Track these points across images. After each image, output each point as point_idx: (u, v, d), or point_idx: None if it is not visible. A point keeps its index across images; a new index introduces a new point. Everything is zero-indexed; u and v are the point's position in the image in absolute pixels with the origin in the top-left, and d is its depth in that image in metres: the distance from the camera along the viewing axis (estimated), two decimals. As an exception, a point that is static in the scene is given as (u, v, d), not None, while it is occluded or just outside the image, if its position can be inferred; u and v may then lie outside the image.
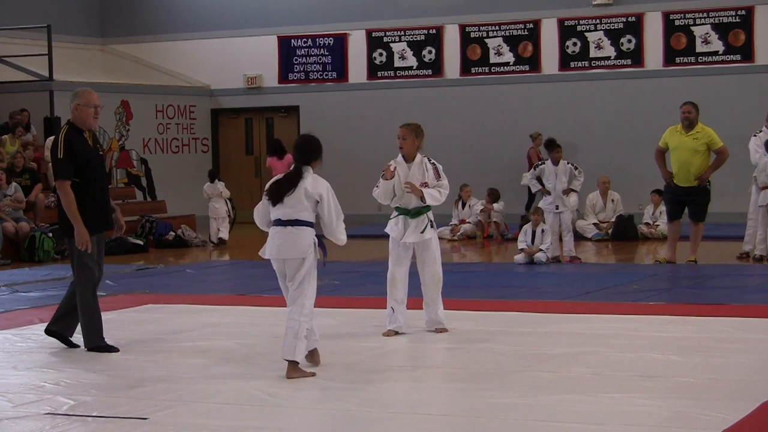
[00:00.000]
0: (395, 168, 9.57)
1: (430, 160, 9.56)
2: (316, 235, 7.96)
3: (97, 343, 9.07)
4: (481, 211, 19.85)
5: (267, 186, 8.07)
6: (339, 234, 8.01)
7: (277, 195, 7.90)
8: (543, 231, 15.53)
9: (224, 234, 20.13)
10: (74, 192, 8.94)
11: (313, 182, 7.93)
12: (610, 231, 19.07)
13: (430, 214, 9.61)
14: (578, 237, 17.78)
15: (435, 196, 9.46)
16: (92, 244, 8.93)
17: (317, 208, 7.91)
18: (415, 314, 10.76)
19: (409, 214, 9.55)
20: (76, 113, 9.20)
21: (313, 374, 7.84)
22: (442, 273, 9.71)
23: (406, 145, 9.51)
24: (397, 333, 9.47)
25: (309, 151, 8.05)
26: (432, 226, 9.59)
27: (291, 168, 8.05)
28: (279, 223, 7.91)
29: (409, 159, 9.58)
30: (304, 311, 7.79)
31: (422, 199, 9.45)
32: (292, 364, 7.78)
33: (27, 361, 8.97)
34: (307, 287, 7.84)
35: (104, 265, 9.39)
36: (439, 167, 9.62)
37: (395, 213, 9.70)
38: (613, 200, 19.40)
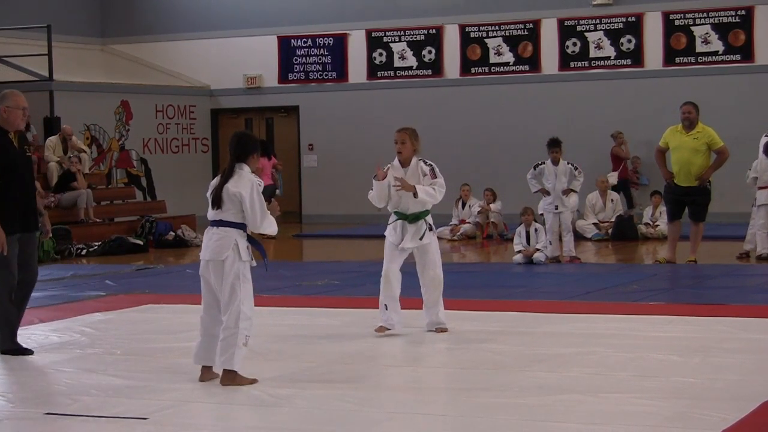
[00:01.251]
0: (387, 169, 9.49)
1: (426, 162, 9.47)
2: (248, 237, 7.73)
3: (9, 347, 9.01)
4: (479, 212, 19.84)
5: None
6: (266, 228, 7.68)
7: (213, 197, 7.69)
8: (536, 230, 15.52)
9: None
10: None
11: (236, 181, 7.63)
12: (610, 231, 19.06)
13: (429, 218, 9.50)
14: (578, 237, 17.78)
15: (429, 192, 9.32)
16: (12, 246, 8.89)
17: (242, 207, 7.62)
18: (415, 314, 10.76)
19: (408, 218, 9.43)
20: (4, 115, 9.12)
21: (254, 380, 7.61)
22: (443, 274, 9.64)
23: (405, 150, 9.44)
24: (388, 330, 9.40)
25: (242, 147, 7.75)
26: (431, 230, 9.50)
27: (226, 169, 7.76)
28: (210, 223, 7.73)
29: (405, 163, 9.50)
30: (242, 317, 7.55)
31: (414, 194, 9.28)
32: (231, 373, 7.55)
33: (27, 361, 8.97)
34: (239, 291, 7.57)
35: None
36: (435, 167, 9.53)
37: (394, 217, 9.61)
38: (612, 200, 19.39)
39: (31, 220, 9.20)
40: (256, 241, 7.80)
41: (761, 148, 15.39)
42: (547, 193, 15.75)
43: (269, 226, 7.72)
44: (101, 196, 21.29)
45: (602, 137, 21.88)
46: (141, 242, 19.19)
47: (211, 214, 7.70)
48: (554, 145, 15.80)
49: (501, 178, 21.40)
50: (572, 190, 15.86)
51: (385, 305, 9.43)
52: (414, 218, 9.40)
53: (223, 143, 24.96)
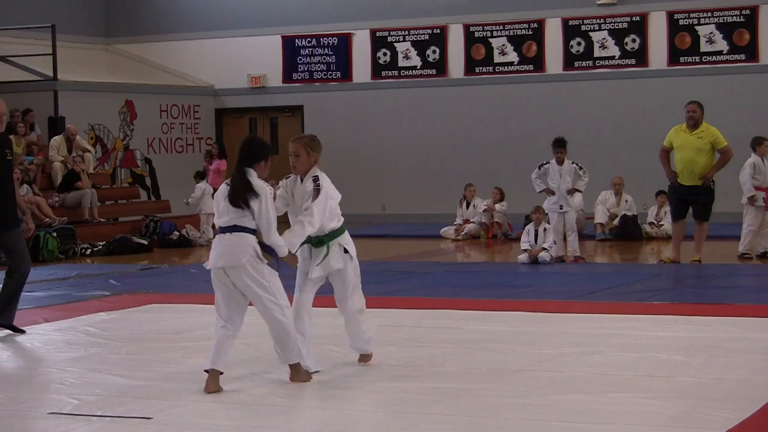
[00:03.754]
0: (275, 185, 8.27)
1: (316, 181, 7.83)
2: (258, 242, 7.59)
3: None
4: (484, 211, 19.84)
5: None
6: (275, 240, 7.51)
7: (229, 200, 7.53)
8: (545, 230, 15.53)
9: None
10: None
11: (254, 185, 7.49)
12: (611, 226, 19.02)
13: (342, 238, 8.08)
14: (582, 236, 17.76)
15: (296, 235, 7.73)
16: None
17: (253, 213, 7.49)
18: (415, 313, 10.77)
19: (311, 242, 7.97)
20: None
21: (310, 377, 7.68)
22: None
23: (298, 163, 7.89)
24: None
25: (251, 153, 7.61)
26: (346, 252, 8.08)
27: (234, 173, 7.59)
28: (220, 230, 7.60)
29: (302, 177, 7.97)
30: (286, 312, 7.57)
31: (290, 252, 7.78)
32: (298, 366, 7.63)
33: (30, 361, 8.98)
34: (277, 286, 7.55)
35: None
36: (324, 187, 7.84)
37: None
38: (627, 201, 19.30)
39: (9, 219, 9.74)
40: (266, 245, 7.65)
41: None
42: (551, 192, 15.75)
43: (278, 240, 7.54)
44: (105, 195, 21.30)
45: (606, 137, 21.88)
46: (145, 242, 19.19)
47: (224, 220, 7.53)
48: (559, 144, 15.79)
49: (505, 177, 21.39)
50: (577, 190, 15.86)
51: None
52: (317, 242, 7.99)
53: (227, 143, 24.94)
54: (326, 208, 7.85)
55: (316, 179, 7.85)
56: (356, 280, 8.17)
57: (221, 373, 7.54)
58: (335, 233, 8.03)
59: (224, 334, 7.62)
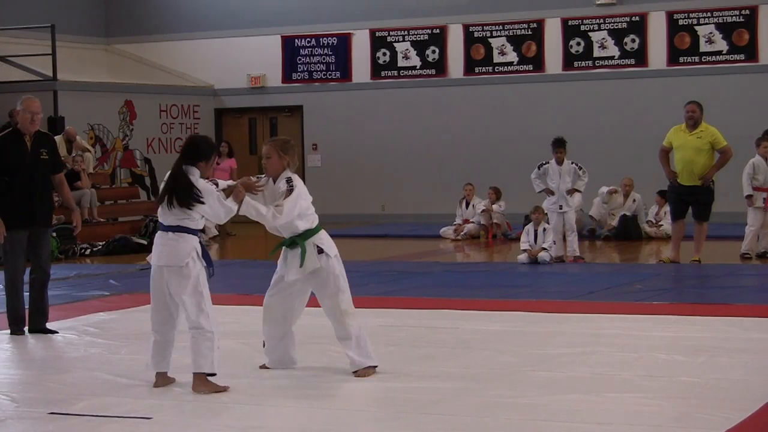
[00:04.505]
0: (263, 184, 8.00)
1: (289, 182, 7.83)
2: (200, 244, 7.61)
3: (11, 328, 9.90)
4: (482, 211, 19.83)
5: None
6: (228, 217, 7.57)
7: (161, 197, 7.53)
8: (545, 230, 15.53)
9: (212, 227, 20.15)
10: (1, 189, 9.73)
11: (200, 185, 7.48)
12: (610, 227, 19.04)
13: (316, 238, 7.96)
14: (582, 237, 17.77)
15: (259, 211, 7.69)
16: (16, 240, 9.71)
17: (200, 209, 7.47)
18: (416, 313, 10.77)
19: (285, 243, 7.94)
20: (18, 118, 9.94)
21: (226, 388, 7.47)
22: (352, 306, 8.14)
23: (270, 165, 7.87)
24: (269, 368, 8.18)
25: (196, 151, 7.56)
26: (321, 252, 7.92)
27: (173, 167, 7.56)
28: (162, 228, 7.57)
29: (274, 180, 7.94)
30: (212, 321, 7.51)
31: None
32: (204, 377, 7.44)
33: (30, 361, 8.98)
34: (206, 294, 7.52)
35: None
36: (297, 188, 7.85)
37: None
38: (634, 200, 19.27)
39: (39, 217, 9.85)
40: (205, 249, 7.70)
41: None
42: (551, 192, 15.75)
43: (229, 214, 7.59)
44: (105, 195, 21.30)
45: (606, 137, 21.88)
46: (145, 242, 19.16)
47: (167, 219, 7.51)
48: (558, 144, 15.80)
49: (505, 177, 21.38)
50: (576, 190, 15.87)
51: (263, 342, 8.17)
52: (290, 243, 7.89)
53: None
54: (296, 207, 7.79)
55: (289, 180, 7.83)
56: (338, 280, 7.97)
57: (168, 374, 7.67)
58: (308, 233, 7.93)
59: (157, 339, 7.65)
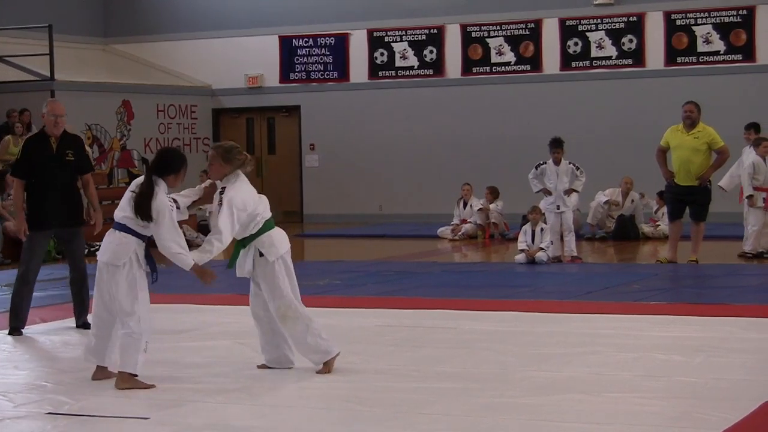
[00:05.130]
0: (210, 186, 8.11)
1: (221, 192, 7.79)
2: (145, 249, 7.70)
3: (11, 325, 10.04)
4: (479, 210, 19.83)
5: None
6: (174, 251, 7.60)
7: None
8: (542, 230, 15.53)
9: None
10: (27, 190, 10.04)
11: (156, 198, 7.56)
12: (607, 229, 19.05)
13: (258, 241, 7.94)
14: (580, 237, 17.77)
15: (203, 251, 7.75)
16: (38, 241, 10.02)
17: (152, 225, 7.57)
18: (419, 313, 10.77)
19: (241, 243, 8.03)
20: (43, 120, 10.19)
21: (153, 386, 7.56)
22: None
23: (211, 170, 7.93)
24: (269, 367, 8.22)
25: (165, 163, 7.70)
26: (261, 256, 7.94)
27: (144, 179, 7.66)
28: (114, 224, 7.70)
29: (206, 196, 8.02)
30: (143, 322, 7.59)
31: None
32: (130, 377, 7.54)
33: (28, 361, 8.98)
34: (139, 296, 7.62)
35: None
36: (226, 200, 7.73)
37: None
38: (633, 201, 19.26)
39: (66, 217, 10.18)
40: (149, 254, 7.78)
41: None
42: (548, 192, 15.76)
43: (176, 257, 7.62)
44: (102, 195, 21.22)
45: (604, 137, 21.89)
46: (142, 242, 19.15)
47: (119, 215, 7.66)
48: (556, 145, 15.81)
49: (502, 177, 21.38)
50: (574, 190, 15.87)
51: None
52: (240, 245, 8.00)
53: (224, 143, 24.96)
54: (233, 221, 7.74)
55: (222, 191, 7.80)
56: (275, 284, 7.92)
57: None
58: (249, 239, 7.94)
59: (97, 334, 7.81)
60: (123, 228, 7.65)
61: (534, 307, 11.08)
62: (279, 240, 8.04)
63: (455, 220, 20.22)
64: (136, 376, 7.58)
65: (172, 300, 12.11)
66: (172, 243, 7.60)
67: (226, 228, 7.70)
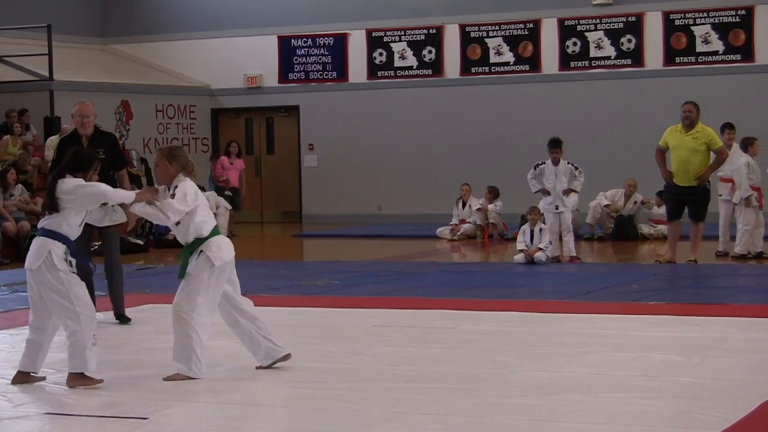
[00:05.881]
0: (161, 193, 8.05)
1: (175, 188, 7.86)
2: (71, 249, 7.71)
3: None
4: (478, 210, 19.83)
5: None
6: (118, 195, 7.78)
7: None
8: (541, 230, 15.54)
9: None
10: None
11: (63, 184, 7.65)
12: (607, 229, 19.06)
13: (206, 245, 7.93)
14: (578, 237, 17.78)
15: (147, 212, 7.81)
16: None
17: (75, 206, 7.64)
18: (406, 313, 10.78)
19: (188, 249, 8.04)
20: (73, 121, 10.61)
21: (101, 381, 7.61)
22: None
23: (159, 173, 7.97)
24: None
25: (76, 162, 7.77)
26: (198, 257, 7.92)
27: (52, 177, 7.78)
28: (38, 230, 7.77)
29: (169, 188, 7.97)
30: (82, 318, 7.59)
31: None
32: (76, 375, 7.59)
33: (27, 361, 8.96)
34: (67, 294, 7.59)
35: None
36: (181, 189, 7.85)
37: None
38: (635, 202, 19.25)
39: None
40: (78, 253, 7.83)
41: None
42: (547, 193, 15.76)
43: (121, 194, 7.75)
44: (101, 195, 21.26)
45: (602, 137, 21.89)
46: (141, 242, 19.18)
47: (41, 222, 7.76)
48: (555, 145, 15.81)
49: (501, 177, 21.38)
50: (573, 190, 15.87)
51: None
52: (187, 251, 8.02)
53: (223, 143, 24.95)
54: (186, 205, 7.81)
55: (170, 189, 7.88)
56: (198, 284, 7.88)
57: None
58: (202, 240, 7.95)
59: (33, 338, 7.83)
60: (42, 232, 7.69)
61: (533, 308, 11.08)
62: (226, 246, 8.07)
63: (454, 220, 20.22)
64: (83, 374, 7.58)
65: (169, 300, 12.06)
66: (104, 195, 7.69)
67: (178, 208, 7.78)
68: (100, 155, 10.07)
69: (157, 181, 8.05)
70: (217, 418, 6.89)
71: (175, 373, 7.84)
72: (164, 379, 7.83)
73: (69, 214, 7.69)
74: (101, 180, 10.00)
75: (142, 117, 23.53)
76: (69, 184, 7.67)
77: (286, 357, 8.15)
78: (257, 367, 8.18)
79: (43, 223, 7.73)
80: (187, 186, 7.90)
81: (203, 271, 7.89)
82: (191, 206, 7.85)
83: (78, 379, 7.63)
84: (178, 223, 7.92)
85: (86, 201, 7.71)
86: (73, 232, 7.76)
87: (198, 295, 7.87)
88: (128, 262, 16.84)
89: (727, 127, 16.24)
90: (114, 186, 10.10)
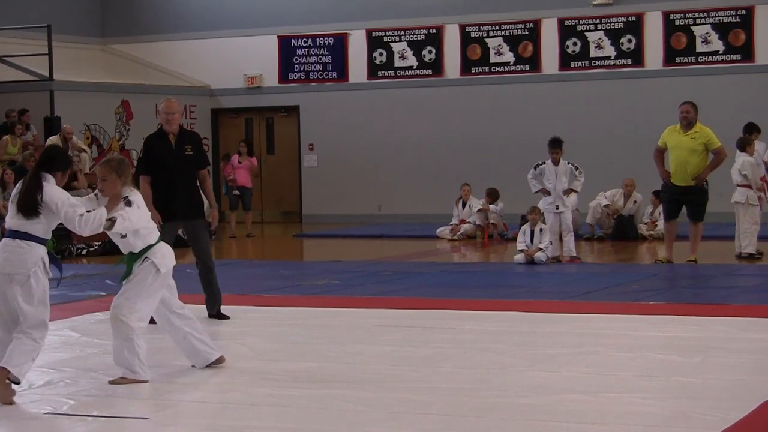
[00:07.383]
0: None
1: (126, 199, 7.83)
2: (48, 253, 7.59)
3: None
4: (478, 210, 19.83)
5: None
6: (88, 230, 7.54)
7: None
8: (541, 230, 15.54)
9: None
10: (153, 186, 10.37)
11: (48, 190, 7.43)
12: (607, 230, 19.06)
13: (152, 252, 7.95)
14: (578, 237, 17.78)
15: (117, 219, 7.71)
16: (167, 232, 9.88)
17: (55, 216, 7.47)
18: (417, 314, 10.78)
19: (133, 257, 8.06)
20: (158, 118, 10.80)
21: (18, 380, 7.32)
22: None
23: (106, 187, 7.82)
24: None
25: (51, 160, 7.58)
26: (143, 263, 7.95)
27: (29, 175, 7.57)
28: (9, 233, 7.49)
29: (116, 201, 7.84)
30: (45, 333, 7.47)
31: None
32: (4, 371, 7.26)
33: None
34: (47, 306, 7.53)
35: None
36: (132, 200, 7.84)
37: None
38: (635, 201, 19.24)
39: (188, 210, 10.43)
40: (54, 257, 7.73)
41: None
42: (547, 193, 15.76)
43: (89, 227, 7.53)
44: (101, 195, 21.26)
45: (602, 137, 21.90)
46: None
47: (14, 223, 7.45)
48: (555, 145, 15.81)
49: (501, 177, 21.40)
50: (573, 190, 15.88)
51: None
52: (132, 258, 8.06)
53: (223, 143, 24.98)
54: (140, 215, 7.85)
55: (126, 198, 7.83)
56: (141, 288, 7.87)
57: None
58: (148, 248, 7.97)
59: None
60: (23, 236, 7.45)
61: (533, 308, 11.08)
62: (169, 254, 8.08)
63: (454, 221, 20.23)
64: (18, 383, 7.31)
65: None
66: (81, 218, 7.48)
67: (134, 219, 7.76)
68: (188, 152, 10.46)
69: (102, 193, 7.88)
70: (217, 418, 6.90)
71: (120, 377, 7.74)
72: (110, 383, 7.71)
73: (51, 220, 7.50)
74: (190, 177, 10.43)
75: (142, 117, 23.51)
76: (56, 194, 7.43)
77: (220, 360, 8.21)
78: (192, 366, 8.18)
79: (16, 225, 7.42)
80: (138, 198, 7.91)
81: (147, 276, 7.90)
82: (143, 213, 7.89)
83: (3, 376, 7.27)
84: (124, 236, 7.89)
85: (60, 220, 7.50)
86: (48, 235, 7.60)
87: (139, 299, 7.85)
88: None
89: (756, 130, 16.25)
90: (195, 184, 10.54)
